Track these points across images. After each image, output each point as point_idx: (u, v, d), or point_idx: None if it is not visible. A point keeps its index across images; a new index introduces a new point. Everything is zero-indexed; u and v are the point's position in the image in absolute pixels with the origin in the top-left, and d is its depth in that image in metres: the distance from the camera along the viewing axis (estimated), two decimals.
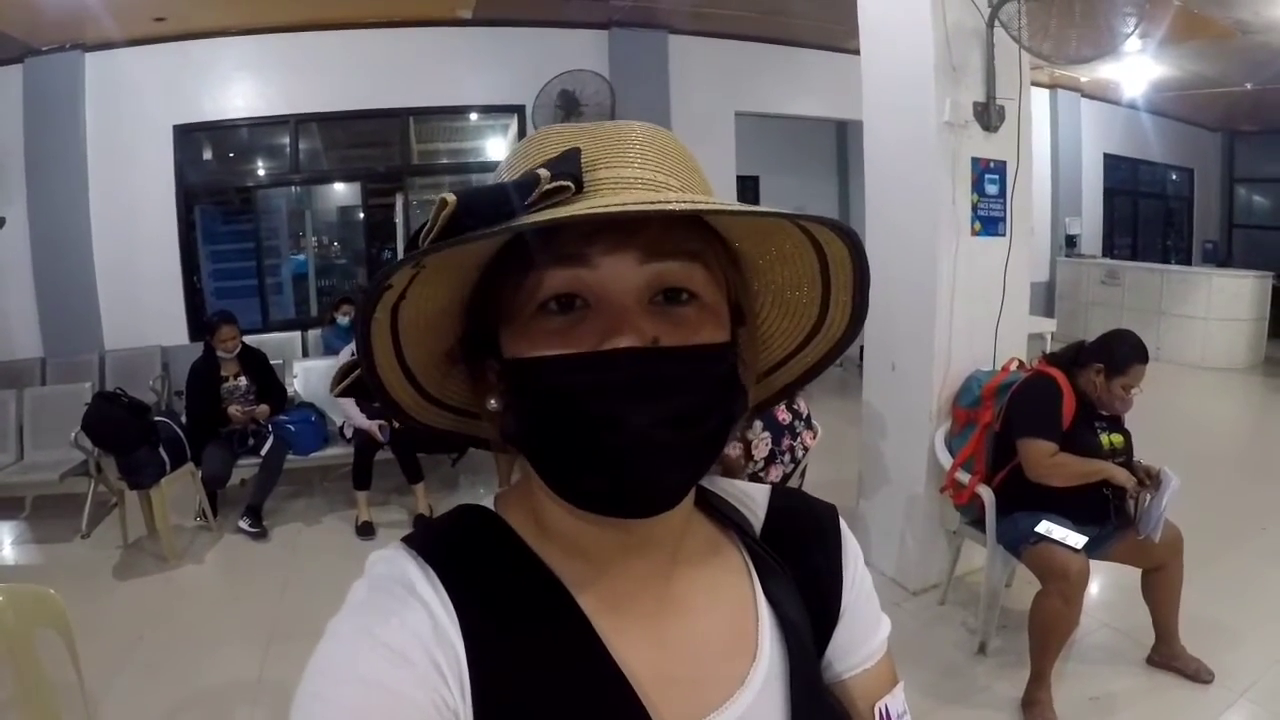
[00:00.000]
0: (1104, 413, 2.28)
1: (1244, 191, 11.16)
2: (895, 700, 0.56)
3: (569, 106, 5.69)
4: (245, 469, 3.80)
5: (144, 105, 5.27)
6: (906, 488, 2.92)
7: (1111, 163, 9.20)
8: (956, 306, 2.76)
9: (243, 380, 3.85)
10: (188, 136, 5.53)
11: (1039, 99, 7.94)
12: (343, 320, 4.81)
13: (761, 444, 2.50)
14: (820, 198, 8.51)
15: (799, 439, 2.56)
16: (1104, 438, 2.26)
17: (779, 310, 0.53)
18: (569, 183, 0.40)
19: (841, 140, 8.53)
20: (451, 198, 0.37)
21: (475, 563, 0.46)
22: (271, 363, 4.11)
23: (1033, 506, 2.24)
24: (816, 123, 7.37)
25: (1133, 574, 2.35)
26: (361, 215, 6.29)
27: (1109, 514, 2.24)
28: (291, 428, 3.88)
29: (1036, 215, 4.50)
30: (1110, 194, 9.29)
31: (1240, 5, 5.25)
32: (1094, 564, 2.17)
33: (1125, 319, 6.95)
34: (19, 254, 5.14)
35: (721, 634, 0.50)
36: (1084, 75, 7.72)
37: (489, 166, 6.20)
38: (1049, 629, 2.12)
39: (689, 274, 0.43)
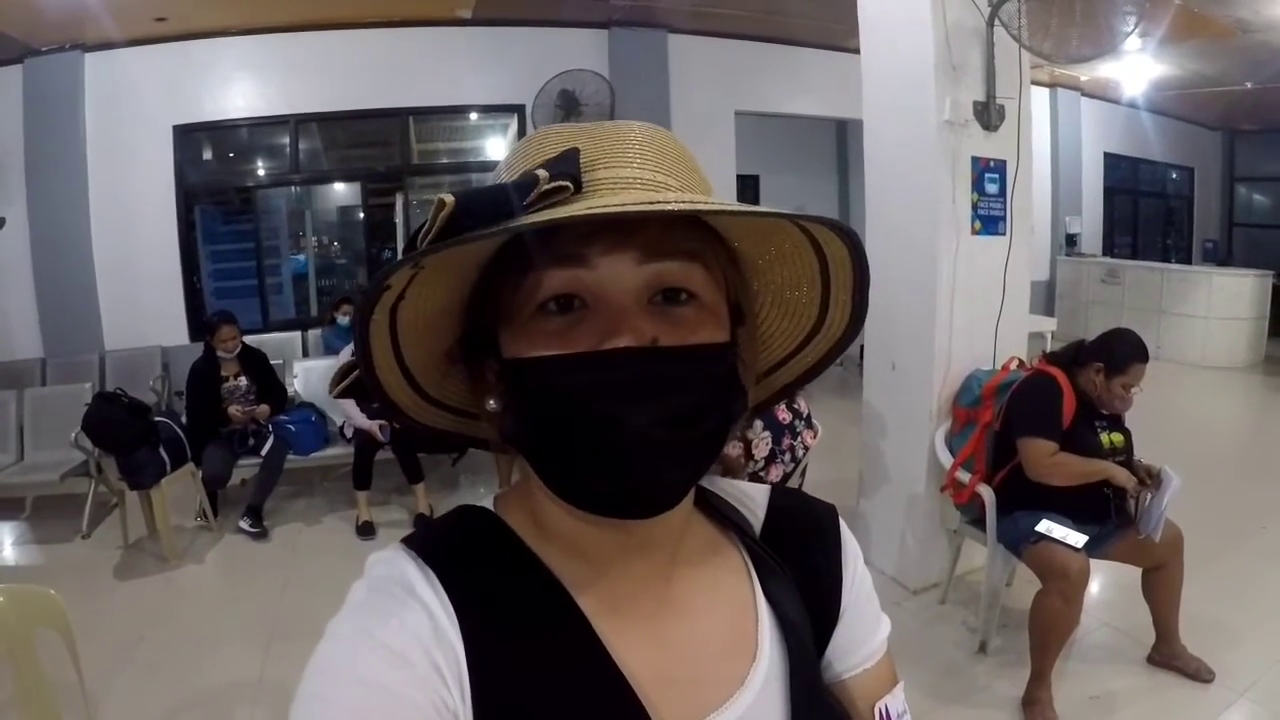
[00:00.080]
0: (1104, 412, 2.28)
1: (1244, 190, 11.15)
2: (895, 700, 0.56)
3: (569, 106, 5.69)
4: (245, 469, 3.80)
5: (144, 105, 5.27)
6: (907, 487, 2.92)
7: (1112, 161, 9.20)
8: (956, 305, 2.76)
9: (243, 380, 3.85)
10: (188, 136, 5.53)
11: (1039, 98, 7.93)
12: (343, 320, 4.81)
13: (762, 443, 2.50)
14: (820, 197, 8.51)
15: (799, 438, 2.56)
16: (1104, 436, 2.26)
17: (779, 310, 0.53)
18: (567, 183, 0.40)
19: (841, 139, 8.53)
20: (450, 198, 0.37)
21: (475, 564, 0.46)
22: (272, 363, 4.11)
23: (1033, 506, 2.24)
24: (816, 122, 7.36)
25: (1133, 573, 2.35)
26: (361, 215, 6.29)
27: (1109, 513, 2.24)
28: (292, 428, 3.88)
29: (1036, 214, 4.50)
30: (1110, 193, 9.29)
31: (1240, 4, 5.24)
32: (1094, 563, 2.17)
33: (1125, 318, 6.94)
34: (19, 254, 5.14)
35: (721, 634, 0.50)
36: (1084, 74, 7.72)
37: (489, 166, 6.19)
38: (1049, 628, 2.12)
39: (688, 274, 0.43)
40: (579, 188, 0.41)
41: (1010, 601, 2.64)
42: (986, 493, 2.44)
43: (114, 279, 5.30)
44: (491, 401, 0.46)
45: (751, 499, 0.59)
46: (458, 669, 0.42)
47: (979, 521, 2.52)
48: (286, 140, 5.80)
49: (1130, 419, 2.35)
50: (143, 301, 5.37)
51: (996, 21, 2.62)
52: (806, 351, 0.55)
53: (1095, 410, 2.27)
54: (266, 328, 5.76)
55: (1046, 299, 8.23)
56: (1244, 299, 6.92)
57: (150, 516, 3.49)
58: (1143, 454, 2.33)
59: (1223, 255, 9.86)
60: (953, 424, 2.75)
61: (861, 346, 3.19)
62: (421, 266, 0.39)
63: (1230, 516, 3.32)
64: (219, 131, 5.73)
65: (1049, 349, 2.80)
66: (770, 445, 2.50)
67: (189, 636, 2.75)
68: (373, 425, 3.65)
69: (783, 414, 2.48)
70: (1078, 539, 2.12)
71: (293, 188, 6.26)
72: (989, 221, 2.80)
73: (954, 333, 2.77)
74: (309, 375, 4.48)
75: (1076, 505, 2.20)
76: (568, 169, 0.41)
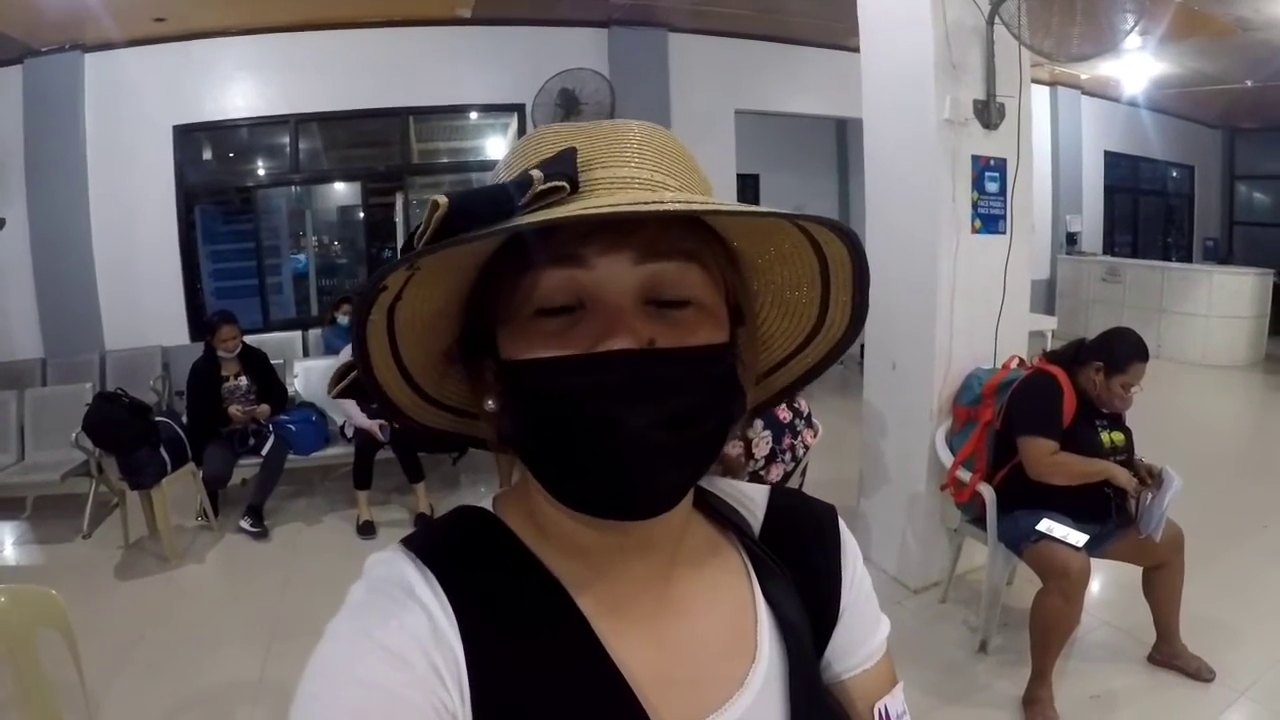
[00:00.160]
0: (1105, 411, 2.28)
1: (1244, 188, 11.14)
2: (895, 700, 0.56)
3: (569, 105, 5.69)
4: (246, 469, 3.80)
5: (144, 105, 5.27)
6: (907, 486, 2.92)
7: (1112, 160, 9.19)
8: (957, 304, 2.76)
9: (243, 380, 3.85)
10: (188, 136, 5.53)
11: (1039, 96, 7.93)
12: (343, 320, 4.81)
13: (762, 442, 2.50)
14: (820, 196, 8.51)
15: (800, 437, 2.56)
16: (1105, 435, 2.26)
17: (779, 310, 0.53)
18: (564, 183, 0.39)
19: (841, 138, 8.53)
20: (443, 199, 0.37)
21: (474, 565, 0.46)
22: (272, 362, 4.11)
23: (1034, 505, 2.24)
24: (816, 121, 7.36)
25: (1134, 572, 2.35)
26: (362, 215, 6.29)
27: (1110, 512, 2.24)
28: (292, 427, 3.88)
29: (1037, 213, 4.50)
30: (1111, 191, 9.28)
31: (1240, 2, 5.24)
32: (1095, 562, 2.17)
33: (1126, 316, 6.94)
34: (19, 255, 5.14)
35: (720, 635, 0.50)
36: (1084, 73, 7.71)
37: (489, 165, 6.18)
38: (1050, 627, 2.11)
39: (685, 274, 0.43)
40: (575, 188, 0.41)
41: (1011, 601, 2.64)
42: (987, 492, 2.44)
43: (114, 279, 5.30)
44: (490, 402, 0.46)
45: (751, 499, 0.59)
46: (457, 670, 0.42)
47: (979, 520, 2.52)
48: (286, 140, 5.80)
49: (1131, 418, 2.34)
50: (143, 301, 5.38)
51: (997, 20, 2.62)
52: (807, 352, 0.54)
53: (1096, 409, 2.27)
54: (267, 327, 5.76)
55: (1047, 298, 8.23)
56: (1244, 297, 6.92)
57: (151, 516, 3.49)
58: (1143, 453, 2.33)
59: (1223, 254, 9.86)
60: (953, 423, 2.74)
61: (862, 346, 3.19)
62: (417, 267, 0.39)
63: (1231, 515, 3.32)
64: (219, 131, 5.73)
65: (1049, 348, 2.80)
66: (770, 444, 2.50)
67: (189, 636, 2.76)
68: (373, 425, 3.65)
69: (783, 413, 2.48)
70: (1078, 538, 2.12)
71: (293, 187, 6.26)
72: (989, 220, 2.80)
73: (954, 332, 2.77)
74: (309, 375, 4.49)
75: (1077, 504, 2.20)
76: (564, 169, 0.40)
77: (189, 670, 2.52)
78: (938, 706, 2.22)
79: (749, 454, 2.47)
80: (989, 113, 2.73)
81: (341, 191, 6.62)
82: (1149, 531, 2.16)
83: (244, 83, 5.49)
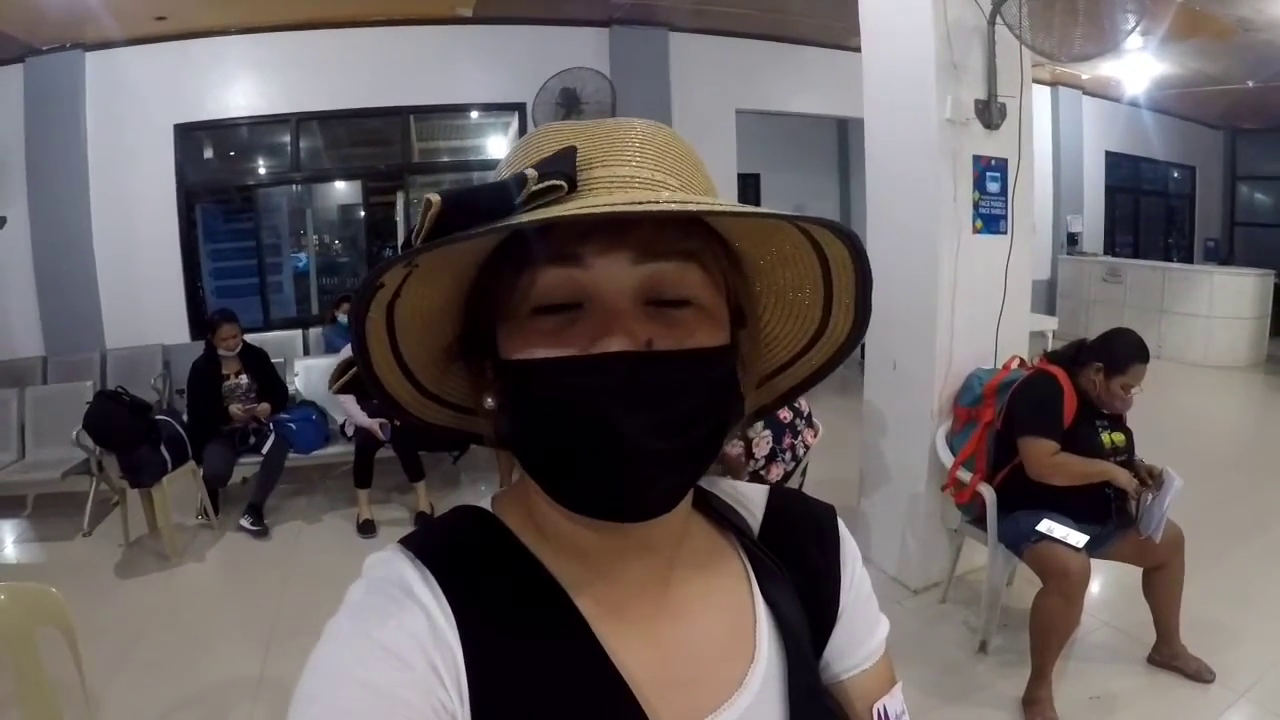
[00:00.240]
0: (1105, 411, 2.27)
1: (1246, 189, 11.13)
2: (894, 701, 0.56)
3: (570, 104, 5.68)
4: (246, 467, 3.80)
5: (145, 104, 5.27)
6: (908, 486, 2.92)
7: (1113, 160, 9.18)
8: (958, 304, 2.76)
9: (244, 378, 3.85)
10: (188, 135, 5.53)
11: (1040, 96, 7.92)
12: (343, 318, 4.81)
13: (763, 442, 2.50)
14: (821, 195, 8.51)
15: (800, 437, 2.57)
16: (1105, 436, 2.25)
17: (783, 312, 0.52)
18: (561, 182, 0.39)
19: (843, 138, 8.53)
20: (436, 198, 0.37)
21: (473, 565, 0.46)
22: (273, 361, 4.11)
23: (1034, 505, 2.24)
24: (817, 120, 7.36)
25: (1134, 573, 2.35)
26: (362, 213, 6.30)
27: (1110, 513, 2.24)
28: (293, 426, 3.88)
29: (1038, 213, 4.50)
30: (1112, 191, 9.27)
31: (1242, 2, 5.23)
32: (1095, 563, 2.17)
33: (1127, 317, 6.94)
34: (20, 253, 5.15)
35: (719, 636, 0.50)
36: (1085, 73, 7.70)
37: (490, 164, 6.19)
38: (1050, 628, 2.11)
39: (684, 275, 0.43)
40: (573, 186, 0.40)
41: (1011, 601, 2.64)
42: (987, 492, 2.44)
43: (115, 277, 5.30)
44: (489, 399, 0.46)
45: (750, 500, 0.59)
46: (455, 670, 0.42)
47: (980, 521, 2.52)
48: (287, 139, 5.80)
49: (1131, 418, 2.34)
50: (144, 300, 5.38)
51: (998, 19, 2.62)
52: (811, 355, 0.54)
53: (1097, 410, 2.27)
54: (267, 326, 5.77)
55: (1048, 298, 8.23)
56: (1245, 298, 6.92)
57: (151, 515, 3.50)
58: (1144, 453, 2.32)
59: (1224, 254, 9.85)
60: (954, 423, 2.74)
61: (863, 346, 3.16)
62: (415, 265, 0.39)
63: (1231, 516, 3.32)
64: (220, 130, 5.73)
65: (1050, 348, 2.80)
66: (771, 444, 2.51)
67: (190, 634, 2.76)
68: (373, 423, 3.65)
69: (784, 413, 2.49)
70: (1078, 539, 2.11)
71: (294, 186, 6.26)
72: (990, 220, 2.80)
73: (955, 332, 2.76)
74: (310, 373, 4.49)
75: (1077, 505, 2.20)
76: (563, 168, 0.40)
77: (189, 668, 2.52)
78: (937, 707, 2.22)
79: (749, 453, 2.47)
80: (990, 113, 2.72)
81: (342, 190, 6.62)
82: (1149, 532, 2.16)
83: (245, 81, 5.49)
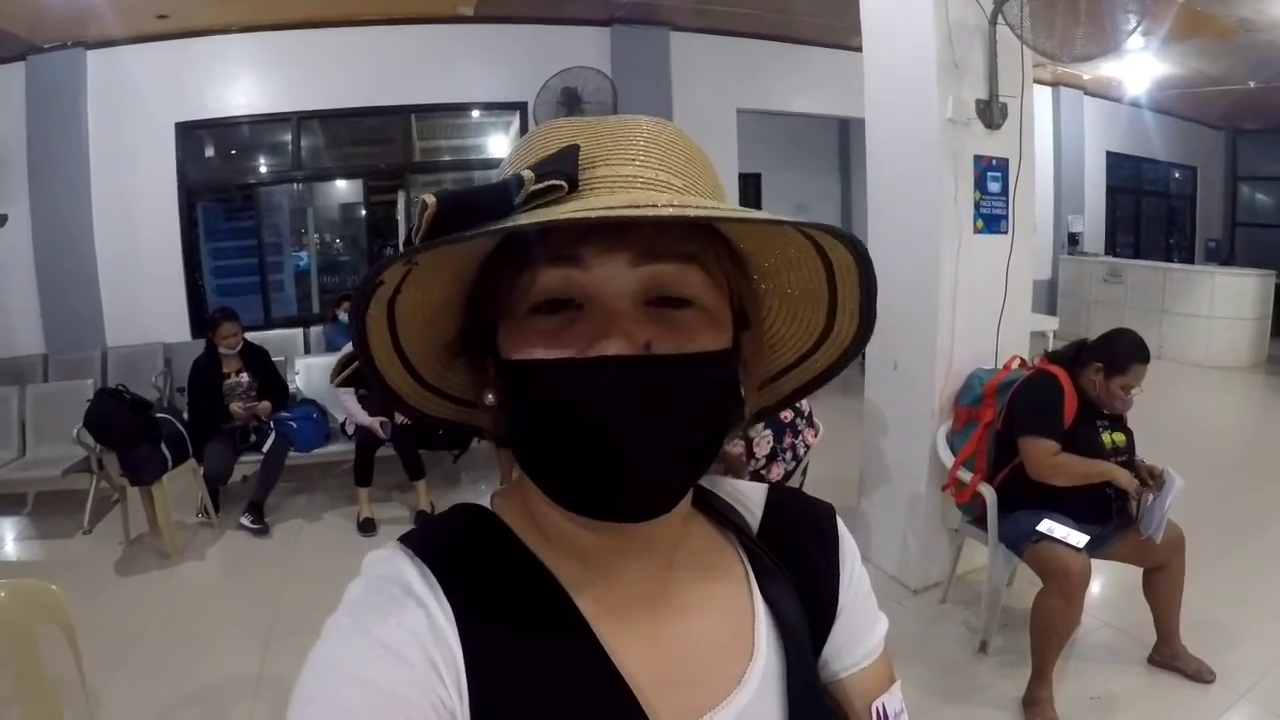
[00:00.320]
0: (1106, 411, 2.27)
1: (1247, 190, 11.12)
2: (893, 699, 0.56)
3: (571, 103, 5.68)
4: (247, 465, 3.80)
5: (146, 103, 5.28)
6: (908, 486, 2.92)
7: (1114, 160, 9.17)
8: (958, 304, 2.76)
9: (244, 377, 3.85)
10: (190, 134, 5.53)
11: (1041, 96, 7.91)
12: (344, 317, 4.81)
13: (763, 441, 2.50)
14: (823, 195, 8.49)
15: (800, 437, 2.57)
16: (1106, 436, 2.25)
17: (787, 314, 0.52)
18: (561, 182, 0.39)
19: (844, 137, 8.51)
20: (431, 199, 0.37)
21: (472, 563, 0.46)
22: (273, 359, 4.11)
23: (1034, 505, 2.24)
24: (819, 120, 7.34)
25: (1134, 573, 2.35)
26: (364, 212, 6.30)
27: (1111, 513, 2.24)
28: (293, 424, 3.88)
29: (1039, 213, 4.49)
30: (1113, 192, 9.26)
31: (1243, 3, 5.23)
32: (1095, 563, 2.17)
33: (1128, 317, 6.93)
34: (21, 251, 5.15)
35: (719, 635, 0.50)
36: (1087, 73, 7.70)
37: (491, 163, 6.19)
38: (1050, 628, 2.11)
39: (685, 277, 0.42)
40: (574, 186, 0.40)
41: (1011, 601, 2.64)
42: (988, 492, 2.44)
43: (116, 275, 5.30)
44: (490, 396, 0.46)
45: (749, 498, 0.59)
46: (455, 668, 0.42)
47: (980, 521, 2.52)
48: (289, 137, 5.80)
49: (1132, 419, 2.34)
50: (145, 298, 5.38)
51: (999, 19, 2.61)
52: (815, 357, 0.53)
53: (1097, 410, 2.27)
54: (268, 324, 5.76)
55: (1048, 298, 8.22)
56: (1246, 299, 6.91)
57: (152, 512, 3.49)
58: (1145, 454, 2.32)
59: (1225, 255, 9.85)
60: (954, 423, 2.74)
61: None
62: (415, 263, 0.39)
63: (1231, 517, 3.32)
64: (221, 129, 5.73)
65: (1051, 348, 2.80)
66: (771, 443, 2.51)
67: (190, 632, 2.76)
68: (374, 422, 3.65)
69: (784, 412, 2.48)
70: (1079, 539, 2.11)
71: (295, 185, 6.26)
72: (991, 220, 2.80)
73: (956, 331, 2.76)
74: (311, 372, 4.49)
75: (1078, 505, 2.20)
76: (564, 167, 0.40)
77: (189, 666, 2.52)
78: (937, 706, 2.22)
79: (750, 453, 2.47)
80: (991, 112, 2.72)
81: (343, 189, 6.62)
82: (1150, 533, 2.16)
83: (246, 80, 5.49)
